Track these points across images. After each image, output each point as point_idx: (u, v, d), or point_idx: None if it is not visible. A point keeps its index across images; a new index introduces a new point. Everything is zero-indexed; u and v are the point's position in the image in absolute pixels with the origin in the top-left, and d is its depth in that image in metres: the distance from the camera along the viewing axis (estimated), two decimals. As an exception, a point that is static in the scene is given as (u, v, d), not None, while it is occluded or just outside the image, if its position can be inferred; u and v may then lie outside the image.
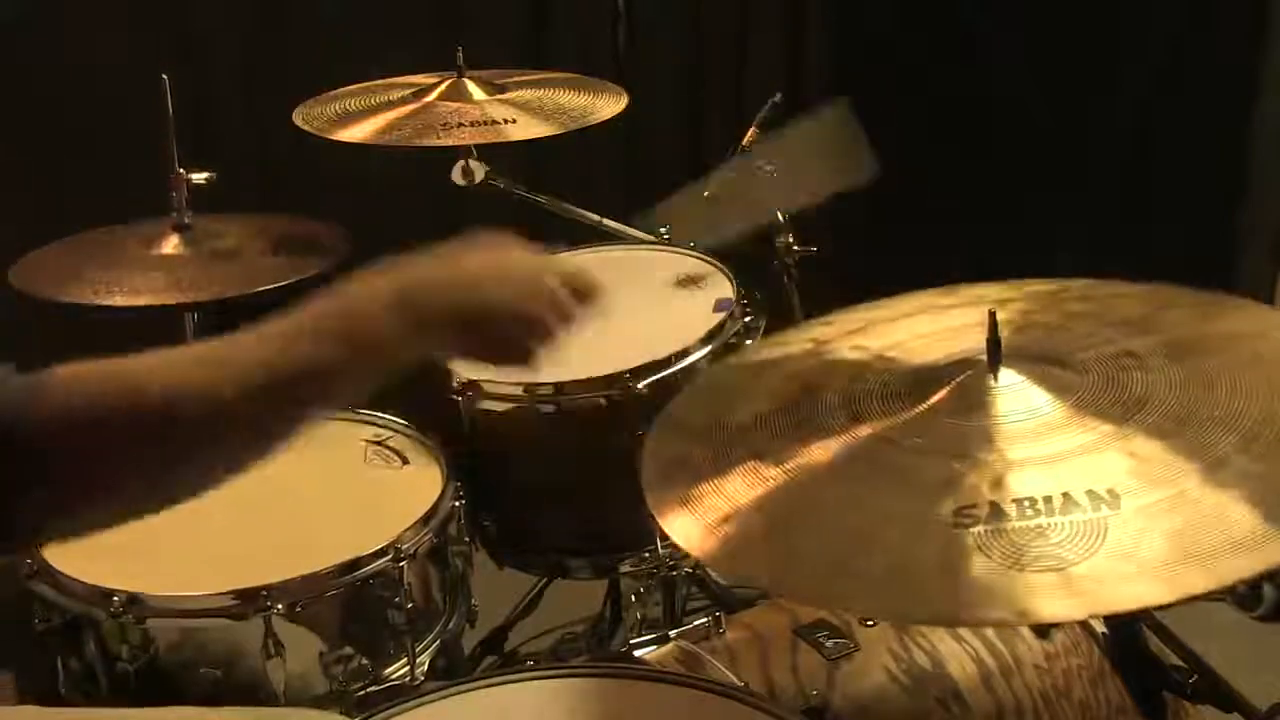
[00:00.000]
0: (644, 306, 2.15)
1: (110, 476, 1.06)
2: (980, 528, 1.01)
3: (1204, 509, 0.99)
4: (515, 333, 1.20)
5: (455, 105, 2.25)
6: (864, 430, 1.16)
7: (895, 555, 1.02)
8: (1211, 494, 1.00)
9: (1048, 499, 1.02)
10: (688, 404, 1.34)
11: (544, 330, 1.21)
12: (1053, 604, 0.95)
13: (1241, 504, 0.99)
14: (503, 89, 2.32)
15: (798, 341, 1.36)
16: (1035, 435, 1.09)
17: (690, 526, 1.11)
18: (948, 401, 1.15)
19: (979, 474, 1.06)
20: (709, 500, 1.13)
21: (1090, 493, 1.02)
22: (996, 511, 1.02)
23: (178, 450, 1.08)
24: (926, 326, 1.32)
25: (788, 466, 1.14)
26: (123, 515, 1.10)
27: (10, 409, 1.02)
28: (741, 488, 1.13)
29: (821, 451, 1.15)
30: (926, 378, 1.20)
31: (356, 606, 1.71)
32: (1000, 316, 1.17)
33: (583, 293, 1.25)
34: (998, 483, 1.05)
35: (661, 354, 1.92)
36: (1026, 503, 1.02)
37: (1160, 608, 0.94)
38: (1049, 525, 1.00)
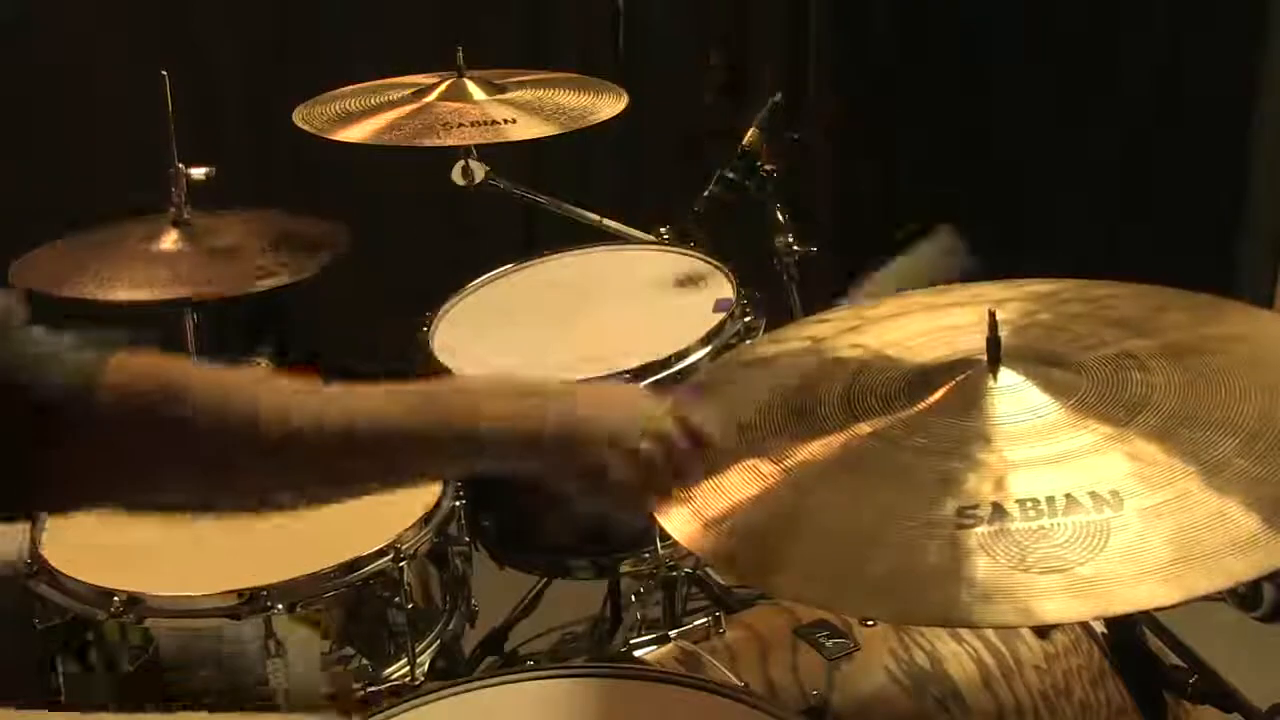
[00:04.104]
0: (644, 306, 2.15)
1: (148, 478, 1.06)
2: (983, 528, 1.01)
3: (1205, 510, 0.99)
4: (618, 474, 1.15)
5: (455, 105, 2.25)
6: (864, 429, 1.15)
7: (898, 557, 1.02)
8: (1213, 495, 1.00)
9: (1050, 499, 1.02)
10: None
11: (646, 478, 1.16)
12: (1057, 605, 0.95)
13: (1242, 505, 0.99)
14: (503, 89, 2.32)
15: (796, 339, 1.36)
16: (1036, 436, 1.09)
17: (690, 526, 1.11)
18: (948, 401, 1.15)
19: (980, 475, 1.06)
20: (709, 499, 1.13)
21: (1093, 494, 1.01)
22: (999, 512, 1.02)
23: (225, 476, 1.08)
24: (924, 325, 1.32)
25: (788, 466, 1.14)
26: (150, 510, 1.10)
27: (72, 379, 1.02)
28: (742, 487, 1.13)
29: (822, 451, 1.14)
30: (926, 377, 1.20)
31: (357, 606, 1.71)
32: (999, 316, 1.17)
33: (697, 439, 1.19)
34: (999, 483, 1.05)
35: (661, 354, 1.92)
36: (1029, 503, 1.02)
37: (1163, 609, 0.94)
38: (1052, 526, 1.00)
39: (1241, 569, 0.94)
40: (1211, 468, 1.02)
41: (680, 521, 1.12)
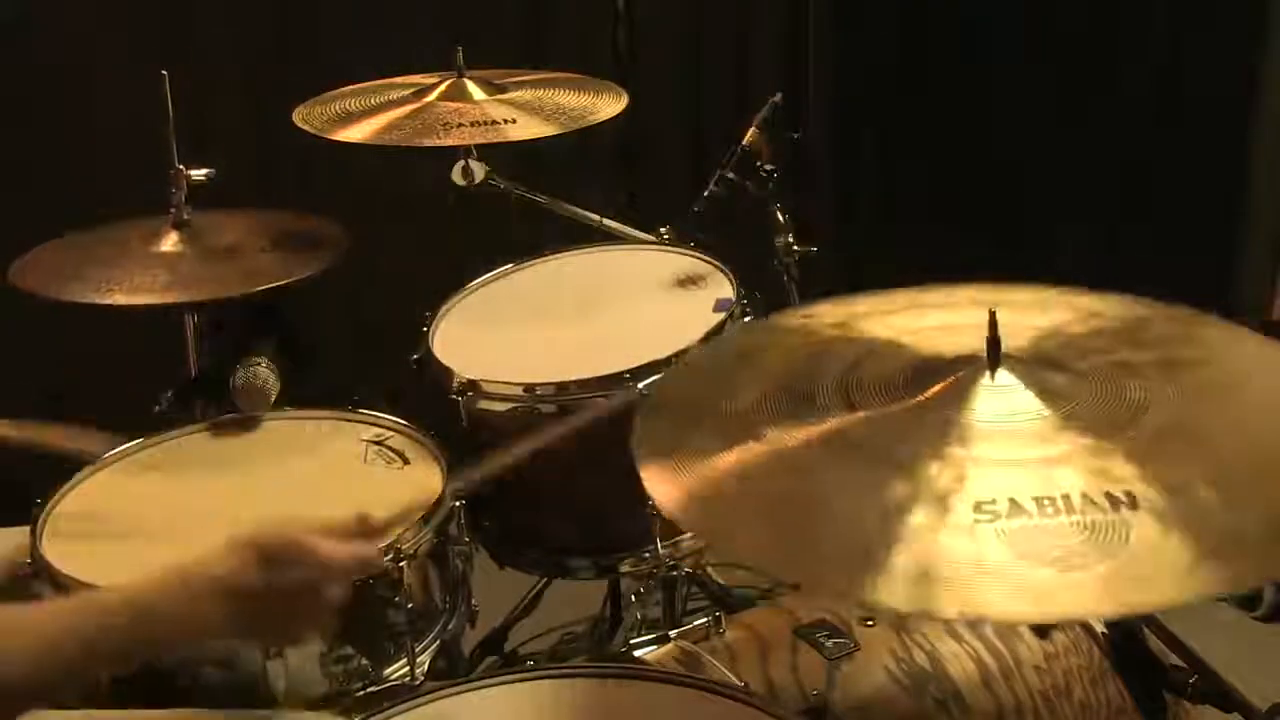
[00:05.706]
0: (644, 306, 2.15)
1: None
2: (1001, 524, 1.00)
3: (1215, 511, 0.99)
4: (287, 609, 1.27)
5: (455, 105, 2.25)
6: (865, 426, 1.15)
7: (913, 552, 1.01)
8: (1221, 495, 1.00)
9: (1066, 497, 1.02)
10: (680, 391, 1.33)
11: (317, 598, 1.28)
12: (1073, 603, 0.95)
13: (1249, 509, 0.99)
14: (503, 89, 2.32)
15: (791, 331, 1.35)
16: (1041, 435, 1.09)
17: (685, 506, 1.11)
18: (948, 400, 1.15)
19: (988, 474, 1.06)
20: (700, 480, 1.12)
21: (1108, 494, 1.01)
22: (1016, 509, 1.01)
23: None
24: (920, 323, 1.31)
25: (788, 460, 1.13)
26: None
27: None
28: (741, 479, 1.12)
29: (825, 447, 1.14)
30: (925, 375, 1.19)
31: (356, 606, 1.71)
32: (1004, 318, 1.17)
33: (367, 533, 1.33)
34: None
35: (661, 354, 1.92)
36: (1045, 501, 1.02)
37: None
38: (1068, 524, 1.00)
39: (1255, 571, 0.95)
40: (1217, 471, 1.03)
41: (665, 490, 1.12)
